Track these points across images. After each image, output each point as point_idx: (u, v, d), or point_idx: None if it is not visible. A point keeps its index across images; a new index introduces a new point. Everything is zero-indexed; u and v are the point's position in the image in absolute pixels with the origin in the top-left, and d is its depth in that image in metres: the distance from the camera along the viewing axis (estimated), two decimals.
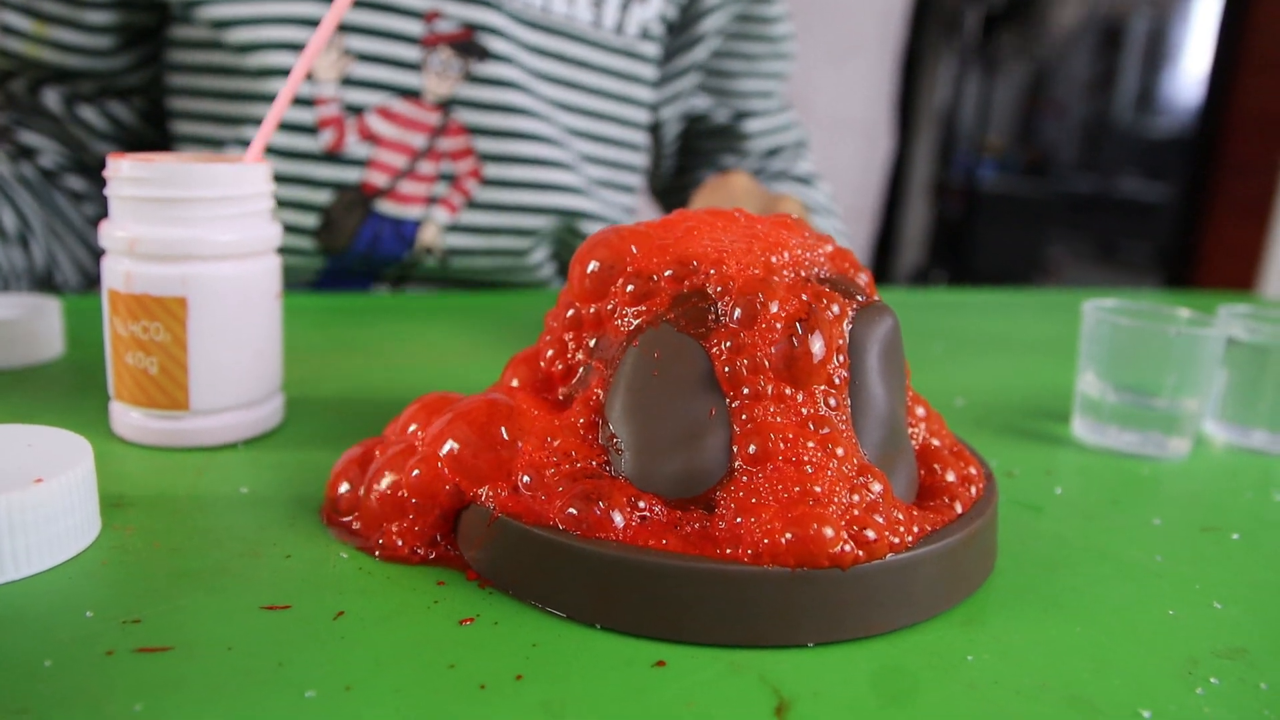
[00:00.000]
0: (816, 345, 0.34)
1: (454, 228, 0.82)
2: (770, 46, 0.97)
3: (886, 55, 2.77)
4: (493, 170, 0.82)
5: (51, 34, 0.75)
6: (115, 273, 0.44)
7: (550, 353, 0.39)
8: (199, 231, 0.44)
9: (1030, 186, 4.26)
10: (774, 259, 0.36)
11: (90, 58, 0.78)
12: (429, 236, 0.82)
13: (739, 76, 0.97)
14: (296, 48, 0.74)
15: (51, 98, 0.79)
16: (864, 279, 0.39)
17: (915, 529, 0.34)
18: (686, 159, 1.02)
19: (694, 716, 0.28)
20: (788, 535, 0.31)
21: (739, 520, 0.32)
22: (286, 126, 0.76)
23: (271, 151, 0.76)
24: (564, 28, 0.83)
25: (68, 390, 0.53)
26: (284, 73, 0.75)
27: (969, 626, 0.34)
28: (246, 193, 0.45)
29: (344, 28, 0.75)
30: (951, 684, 0.31)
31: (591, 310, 0.37)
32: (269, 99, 0.75)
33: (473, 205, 0.82)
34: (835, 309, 0.35)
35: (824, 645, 0.32)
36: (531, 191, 0.84)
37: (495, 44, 0.79)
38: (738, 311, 0.34)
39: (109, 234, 0.44)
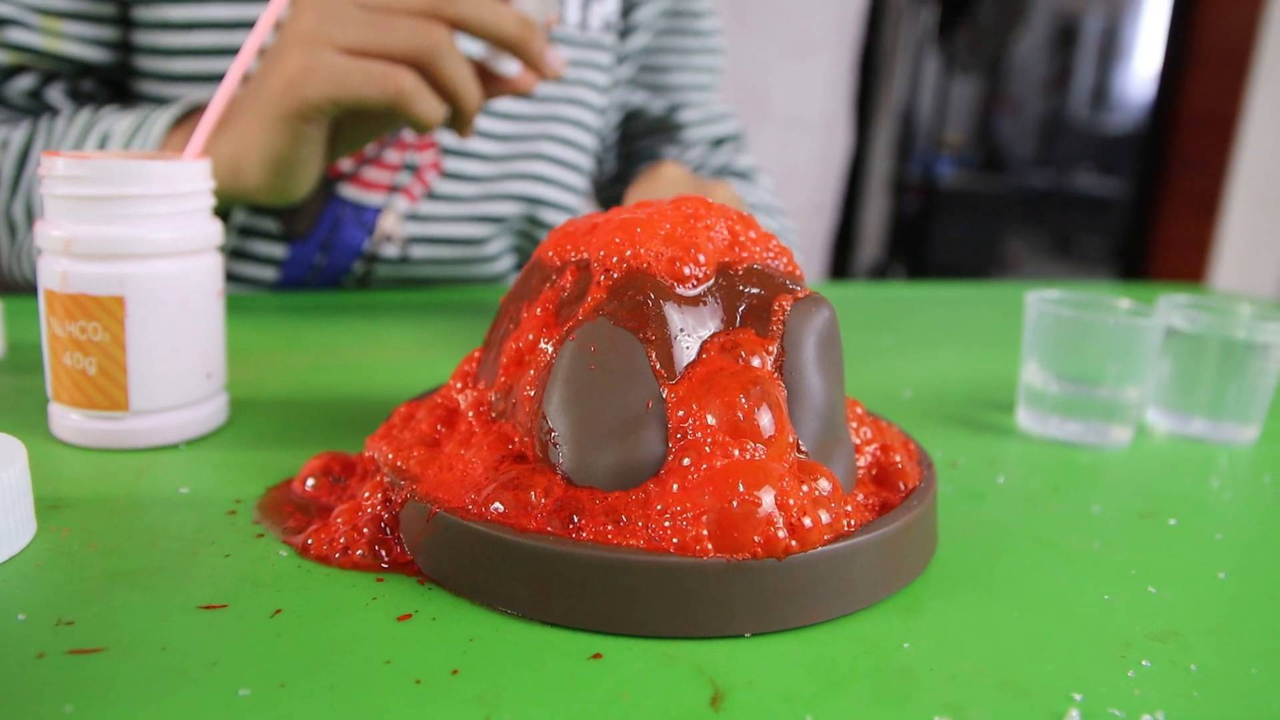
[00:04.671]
0: (765, 420, 0.34)
1: (414, 217, 0.83)
2: (700, 40, 0.99)
3: (845, 52, 2.78)
4: (453, 164, 0.84)
5: (63, 28, 0.74)
6: (51, 273, 0.44)
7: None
8: (136, 230, 0.43)
9: (987, 182, 4.30)
10: (698, 253, 0.36)
11: (106, 50, 0.76)
12: (389, 224, 0.82)
13: (672, 70, 0.99)
14: (236, 25, 0.74)
15: (56, 95, 0.77)
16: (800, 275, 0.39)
17: (853, 520, 0.35)
18: (627, 161, 1.03)
19: (629, 707, 0.28)
20: (705, 532, 0.31)
21: (666, 512, 0.32)
22: None
23: None
24: None
25: (6, 393, 0.52)
26: (227, 51, 0.74)
27: (907, 614, 0.35)
28: (184, 190, 0.45)
29: None
30: (886, 671, 0.31)
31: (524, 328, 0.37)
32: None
33: (432, 196, 0.83)
34: (756, 360, 0.35)
35: (761, 635, 0.32)
36: (491, 182, 0.85)
37: (462, 44, 0.79)
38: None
39: (44, 233, 0.44)
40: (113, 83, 0.79)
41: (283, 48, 0.60)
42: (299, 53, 0.59)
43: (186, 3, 0.73)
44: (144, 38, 0.75)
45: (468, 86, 0.62)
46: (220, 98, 0.46)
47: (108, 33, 0.76)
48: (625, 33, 0.94)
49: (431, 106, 0.61)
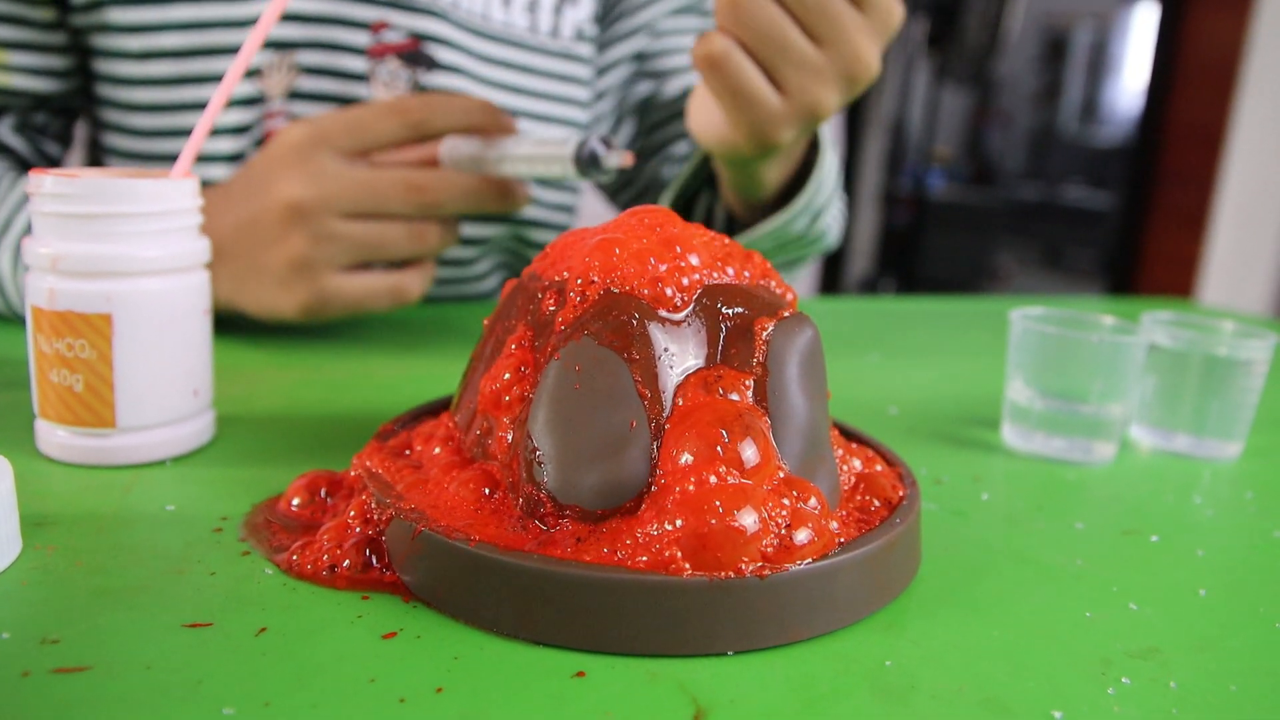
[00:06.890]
0: (749, 452, 0.34)
1: None
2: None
3: None
4: None
5: (11, 59, 0.73)
6: (39, 290, 0.44)
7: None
8: (124, 247, 0.44)
9: (978, 195, 4.32)
10: (680, 276, 0.37)
11: (57, 80, 0.76)
12: None
13: (679, 52, 0.96)
14: (192, 54, 0.74)
15: (4, 130, 0.76)
16: (789, 297, 0.40)
17: (839, 538, 0.35)
18: (647, 154, 1.00)
19: None
20: (679, 553, 0.32)
21: (647, 530, 0.33)
22: (236, 130, 0.75)
23: (221, 159, 0.75)
24: (503, 34, 0.83)
25: None
26: (207, 79, 0.74)
27: (889, 632, 0.35)
28: (172, 208, 0.45)
29: (290, 44, 0.75)
30: (868, 689, 0.31)
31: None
32: (200, 108, 0.74)
33: None
34: (735, 395, 0.35)
35: (744, 653, 0.33)
36: None
37: (443, 54, 0.78)
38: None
39: (32, 250, 0.44)
40: (68, 111, 0.79)
41: (279, 261, 0.63)
42: (304, 285, 0.64)
43: (141, 32, 0.72)
44: (102, 66, 0.75)
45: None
46: (202, 128, 0.47)
47: (58, 62, 0.75)
48: (624, 36, 0.93)
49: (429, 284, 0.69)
